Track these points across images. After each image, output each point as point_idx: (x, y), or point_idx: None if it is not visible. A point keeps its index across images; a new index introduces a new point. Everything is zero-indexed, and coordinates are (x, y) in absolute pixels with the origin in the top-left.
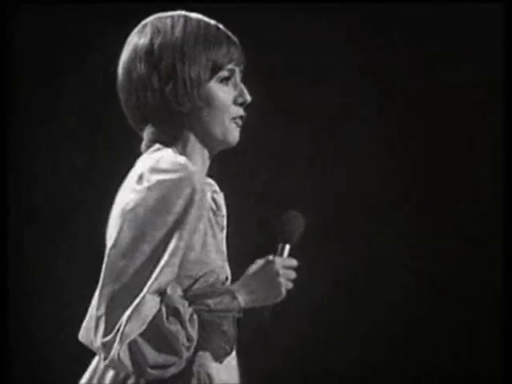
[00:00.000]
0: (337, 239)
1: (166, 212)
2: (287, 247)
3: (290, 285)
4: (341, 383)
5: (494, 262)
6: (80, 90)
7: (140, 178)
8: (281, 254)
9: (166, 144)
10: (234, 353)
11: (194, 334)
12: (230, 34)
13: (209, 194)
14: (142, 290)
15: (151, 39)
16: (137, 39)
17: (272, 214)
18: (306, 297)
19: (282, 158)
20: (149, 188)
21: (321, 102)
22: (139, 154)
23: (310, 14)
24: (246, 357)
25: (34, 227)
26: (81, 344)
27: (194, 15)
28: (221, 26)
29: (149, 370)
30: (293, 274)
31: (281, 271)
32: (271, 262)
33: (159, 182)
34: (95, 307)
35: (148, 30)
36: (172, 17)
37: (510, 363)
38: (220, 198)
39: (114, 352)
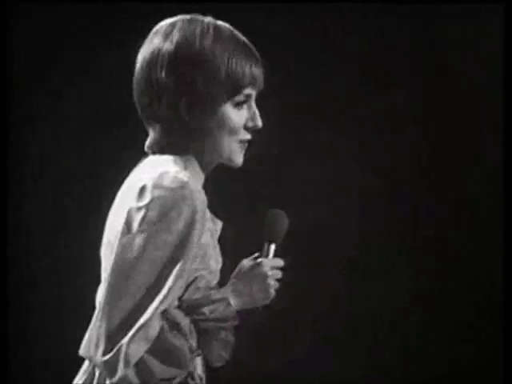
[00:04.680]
0: (338, 240)
1: (167, 231)
2: (273, 247)
3: (277, 285)
4: None
5: (495, 263)
6: (80, 90)
7: (141, 193)
8: (267, 255)
9: (171, 151)
10: None
11: (195, 344)
12: (256, 53)
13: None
14: (145, 311)
15: (176, 47)
16: (162, 41)
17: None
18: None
19: (278, 159)
20: (149, 205)
21: (320, 103)
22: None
23: (309, 14)
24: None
25: (33, 229)
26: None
27: (223, 27)
28: (248, 44)
29: None
30: (279, 274)
31: (269, 273)
32: (259, 264)
33: (159, 198)
34: (97, 325)
35: (175, 35)
36: (202, 25)
37: (511, 362)
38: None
39: (121, 373)
